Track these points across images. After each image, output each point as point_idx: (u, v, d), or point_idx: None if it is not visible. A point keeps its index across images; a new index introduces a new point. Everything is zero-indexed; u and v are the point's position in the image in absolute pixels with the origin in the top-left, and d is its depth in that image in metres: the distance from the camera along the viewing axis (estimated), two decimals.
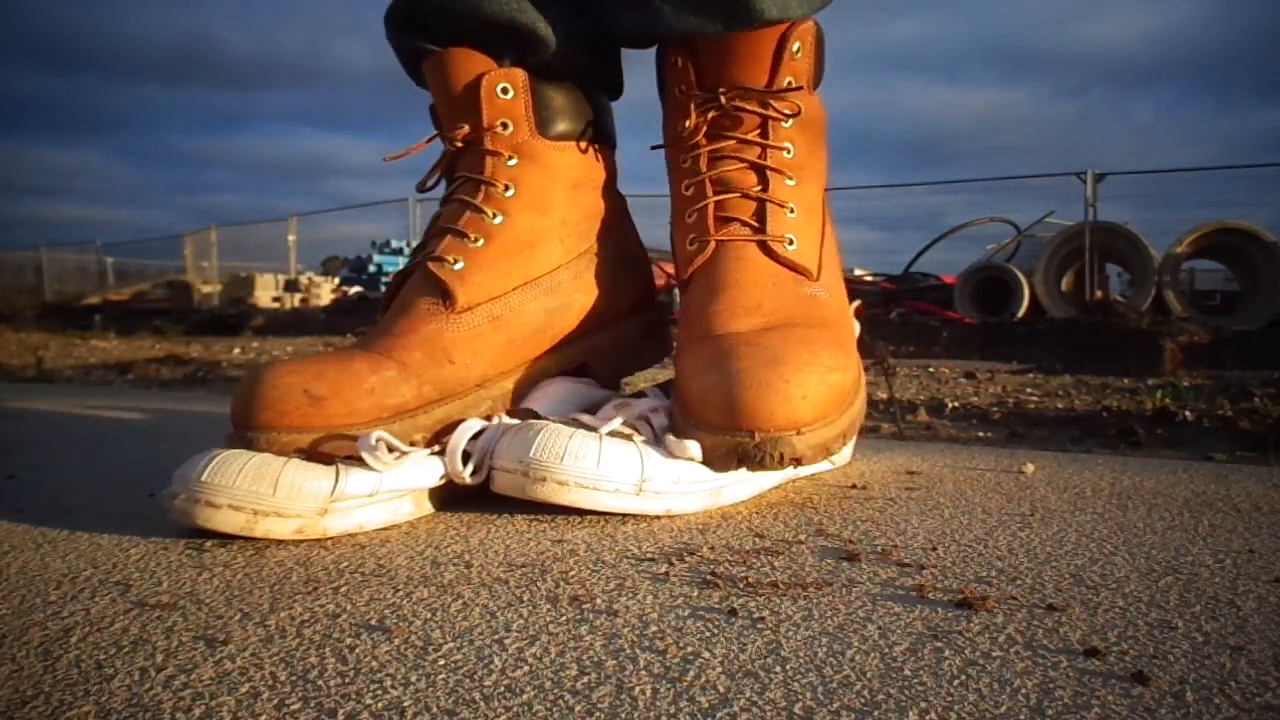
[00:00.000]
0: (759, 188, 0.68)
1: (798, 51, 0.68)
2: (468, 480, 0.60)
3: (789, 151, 0.69)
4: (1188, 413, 1.15)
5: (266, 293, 9.44)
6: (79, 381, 1.85)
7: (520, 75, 0.70)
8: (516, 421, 0.63)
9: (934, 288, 5.99)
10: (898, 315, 4.63)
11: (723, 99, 0.68)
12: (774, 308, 0.66)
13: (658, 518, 0.59)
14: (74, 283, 12.39)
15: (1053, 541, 0.54)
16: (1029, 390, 1.64)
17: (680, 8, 0.66)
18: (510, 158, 0.70)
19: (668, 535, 0.55)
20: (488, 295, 0.68)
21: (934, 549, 0.52)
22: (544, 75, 0.71)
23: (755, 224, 0.68)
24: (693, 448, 0.59)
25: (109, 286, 11.82)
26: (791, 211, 0.68)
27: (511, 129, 0.70)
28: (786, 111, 0.69)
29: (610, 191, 0.77)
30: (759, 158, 0.69)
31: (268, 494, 0.53)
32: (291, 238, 9.80)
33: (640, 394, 0.69)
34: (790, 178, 0.69)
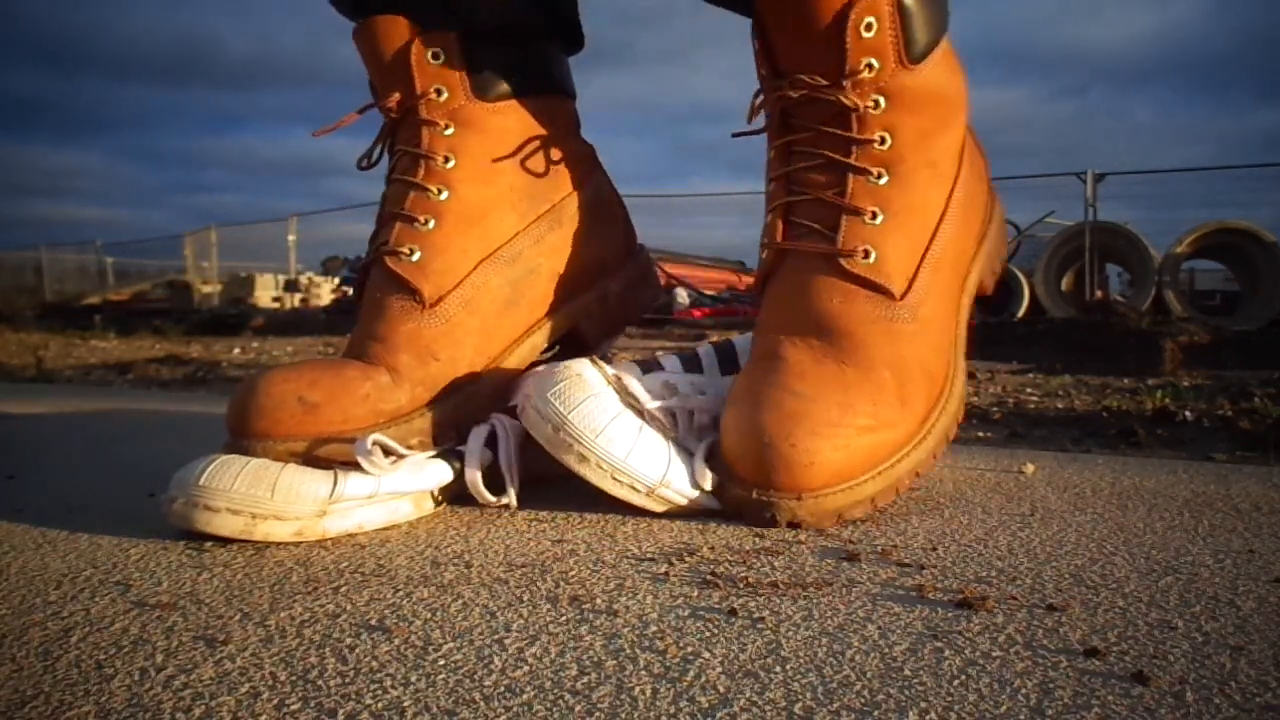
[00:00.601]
0: (835, 190, 0.61)
1: (869, 28, 0.58)
2: (490, 499, 0.60)
3: (883, 141, 0.61)
4: (1188, 413, 1.15)
5: (266, 293, 9.45)
6: (79, 381, 1.85)
7: (452, 39, 0.66)
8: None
9: None
10: None
11: (788, 88, 0.60)
12: (834, 334, 0.59)
13: (658, 517, 0.59)
14: (74, 283, 12.39)
15: (1053, 541, 0.54)
16: (1029, 390, 1.64)
17: None
18: (446, 126, 0.67)
19: (668, 535, 0.55)
20: (453, 281, 0.66)
21: (934, 549, 0.52)
22: (480, 37, 0.68)
23: (827, 233, 0.61)
24: (708, 481, 0.58)
25: (109, 286, 11.82)
26: (873, 217, 0.60)
27: (446, 95, 0.67)
28: (873, 99, 0.60)
29: (570, 144, 0.73)
30: (839, 152, 0.61)
31: (266, 497, 0.53)
32: (291, 238, 9.81)
33: (695, 364, 0.65)
34: (880, 175, 0.61)
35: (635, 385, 0.61)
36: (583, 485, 0.58)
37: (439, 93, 0.67)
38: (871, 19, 0.59)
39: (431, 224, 0.66)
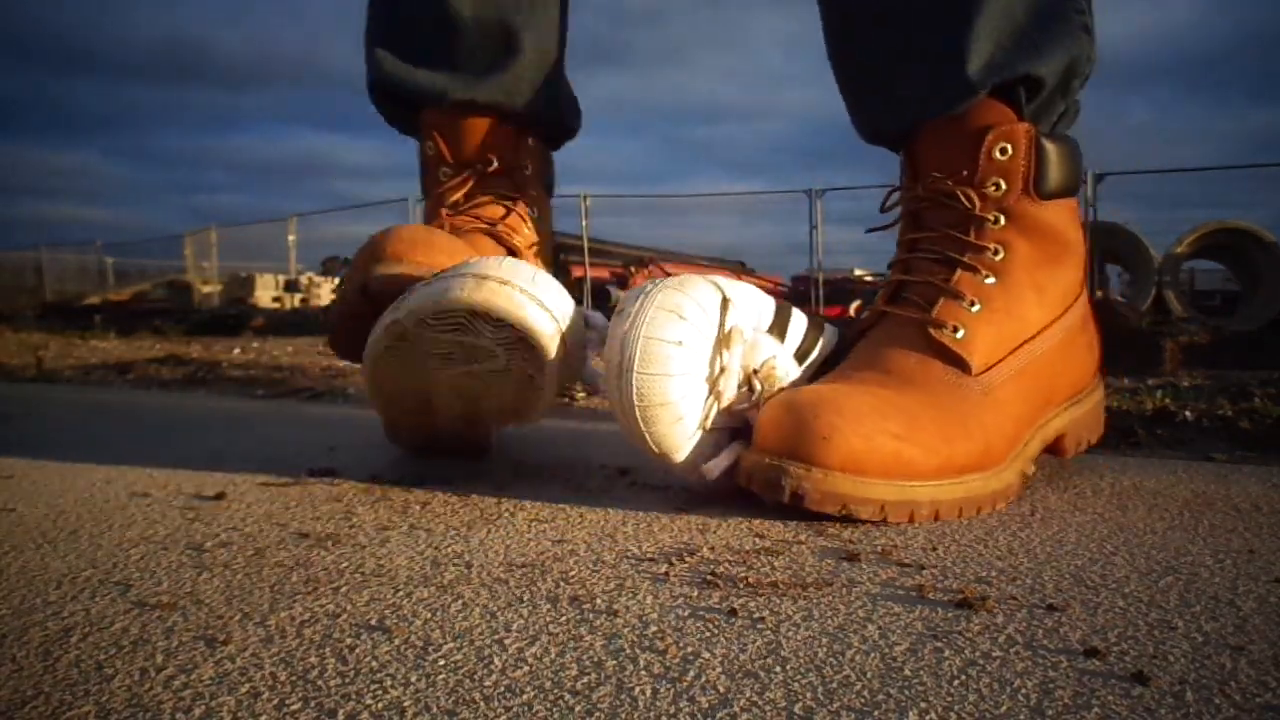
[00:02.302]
0: (943, 276, 0.67)
1: (1004, 152, 0.67)
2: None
3: (996, 253, 0.68)
4: (1188, 413, 1.15)
5: (267, 293, 9.44)
6: (79, 381, 1.85)
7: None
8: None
9: None
10: None
11: (920, 187, 0.69)
12: (903, 377, 0.64)
13: (658, 518, 0.59)
14: (74, 283, 12.38)
15: (1053, 541, 0.54)
16: None
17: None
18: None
19: (668, 535, 0.55)
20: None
21: (934, 549, 0.52)
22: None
23: (924, 305, 0.67)
24: (716, 466, 0.61)
25: (109, 286, 11.82)
26: (972, 305, 0.66)
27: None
28: (994, 214, 0.68)
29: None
30: (955, 251, 0.68)
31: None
32: (291, 238, 9.81)
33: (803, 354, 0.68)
34: (988, 276, 0.67)
35: (737, 352, 0.62)
36: (584, 484, 0.58)
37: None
38: (1007, 145, 0.67)
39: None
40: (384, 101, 0.89)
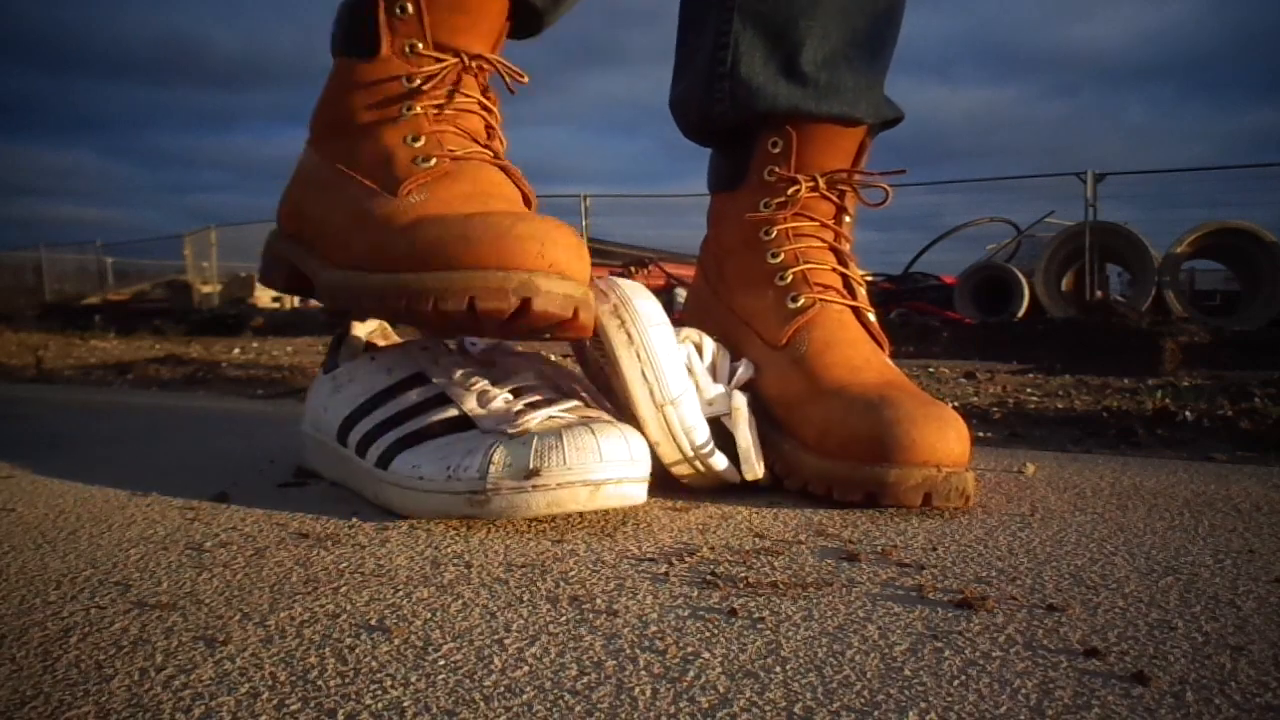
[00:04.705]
0: (838, 265, 0.74)
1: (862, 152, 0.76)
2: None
3: (849, 243, 0.75)
4: (1188, 413, 1.15)
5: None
6: (79, 382, 1.85)
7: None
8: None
9: (934, 288, 5.99)
10: (898, 315, 4.63)
11: (819, 181, 0.74)
12: (879, 369, 0.69)
13: (658, 518, 0.59)
14: (74, 283, 12.38)
15: (1053, 541, 0.54)
16: (1029, 390, 1.64)
17: (830, 95, 0.73)
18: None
19: (668, 535, 0.55)
20: None
21: (934, 549, 0.52)
22: None
23: (846, 293, 0.73)
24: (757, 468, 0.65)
25: (109, 286, 11.81)
26: (863, 289, 0.74)
27: None
28: (851, 208, 0.75)
29: None
30: (834, 241, 0.74)
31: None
32: None
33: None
34: (854, 263, 0.75)
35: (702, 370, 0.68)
36: None
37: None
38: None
39: None
40: None
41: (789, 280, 0.73)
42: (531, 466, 0.54)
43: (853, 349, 0.70)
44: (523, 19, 0.71)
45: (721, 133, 0.78)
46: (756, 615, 0.41)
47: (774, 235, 0.74)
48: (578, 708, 0.32)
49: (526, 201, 0.67)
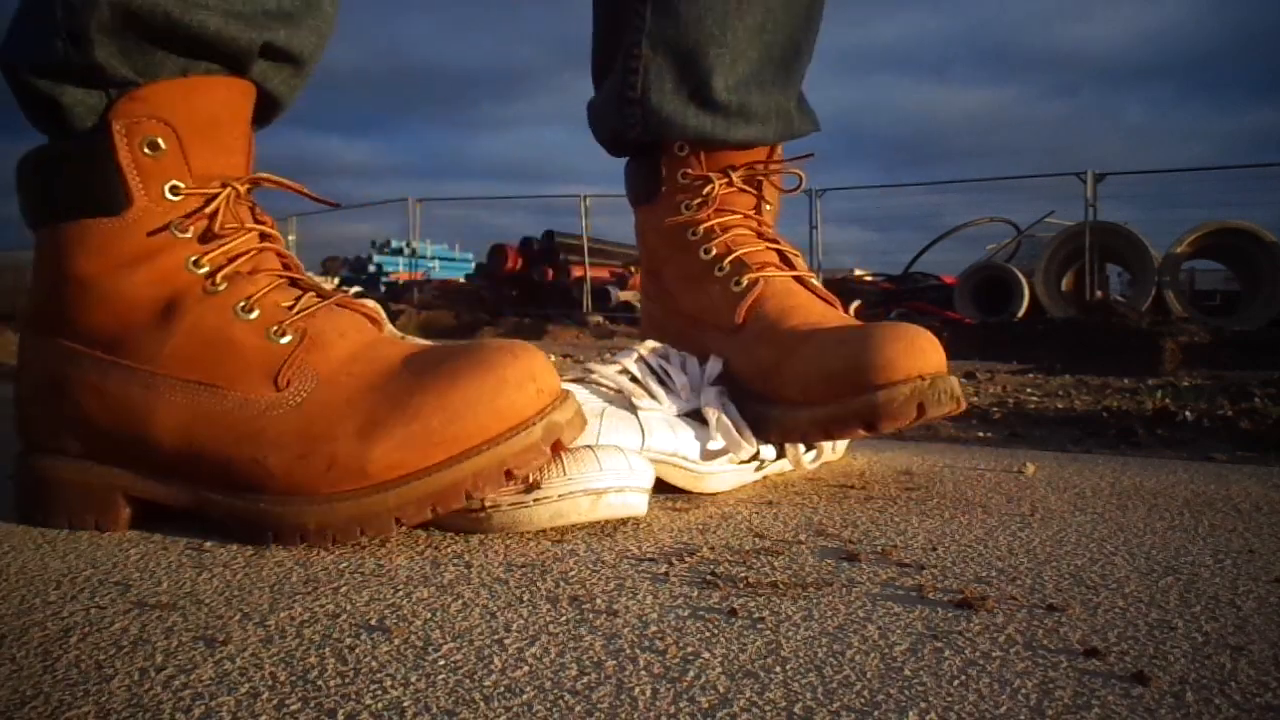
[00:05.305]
0: (769, 245, 0.76)
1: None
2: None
3: (772, 230, 0.78)
4: (1188, 413, 1.15)
5: None
6: None
7: None
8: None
9: (934, 288, 5.99)
10: (898, 315, 4.63)
11: (732, 177, 0.77)
12: (838, 318, 0.72)
13: (658, 518, 0.59)
14: None
15: (1053, 541, 0.54)
16: (1029, 390, 1.64)
17: (741, 121, 0.76)
18: None
19: (668, 535, 0.55)
20: None
21: (934, 549, 0.52)
22: None
23: (785, 265, 0.76)
24: (743, 448, 0.66)
25: None
26: (800, 259, 0.77)
27: None
28: (770, 197, 0.79)
29: None
30: (759, 229, 0.77)
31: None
32: (291, 237, 9.80)
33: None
34: (785, 241, 0.78)
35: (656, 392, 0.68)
36: None
37: None
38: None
39: None
40: None
41: (728, 269, 0.75)
42: (532, 480, 0.54)
43: (808, 310, 0.72)
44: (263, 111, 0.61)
45: (634, 146, 0.80)
46: (756, 615, 0.41)
47: (700, 234, 0.77)
48: (578, 708, 0.32)
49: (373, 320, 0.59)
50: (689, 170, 0.77)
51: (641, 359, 0.69)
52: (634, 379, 0.68)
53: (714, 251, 0.75)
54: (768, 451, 0.69)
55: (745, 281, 0.74)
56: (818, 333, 0.69)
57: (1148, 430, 1.06)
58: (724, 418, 0.66)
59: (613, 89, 0.78)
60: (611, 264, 7.14)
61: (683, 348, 0.73)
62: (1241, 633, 0.39)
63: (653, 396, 0.67)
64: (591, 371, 0.68)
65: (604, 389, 0.67)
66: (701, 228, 0.76)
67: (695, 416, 0.68)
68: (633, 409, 0.65)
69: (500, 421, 0.51)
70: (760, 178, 0.77)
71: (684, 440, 0.65)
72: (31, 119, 0.57)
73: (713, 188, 0.76)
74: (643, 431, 0.64)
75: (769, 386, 0.69)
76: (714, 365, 0.72)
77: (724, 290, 0.74)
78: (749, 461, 0.68)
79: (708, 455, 0.66)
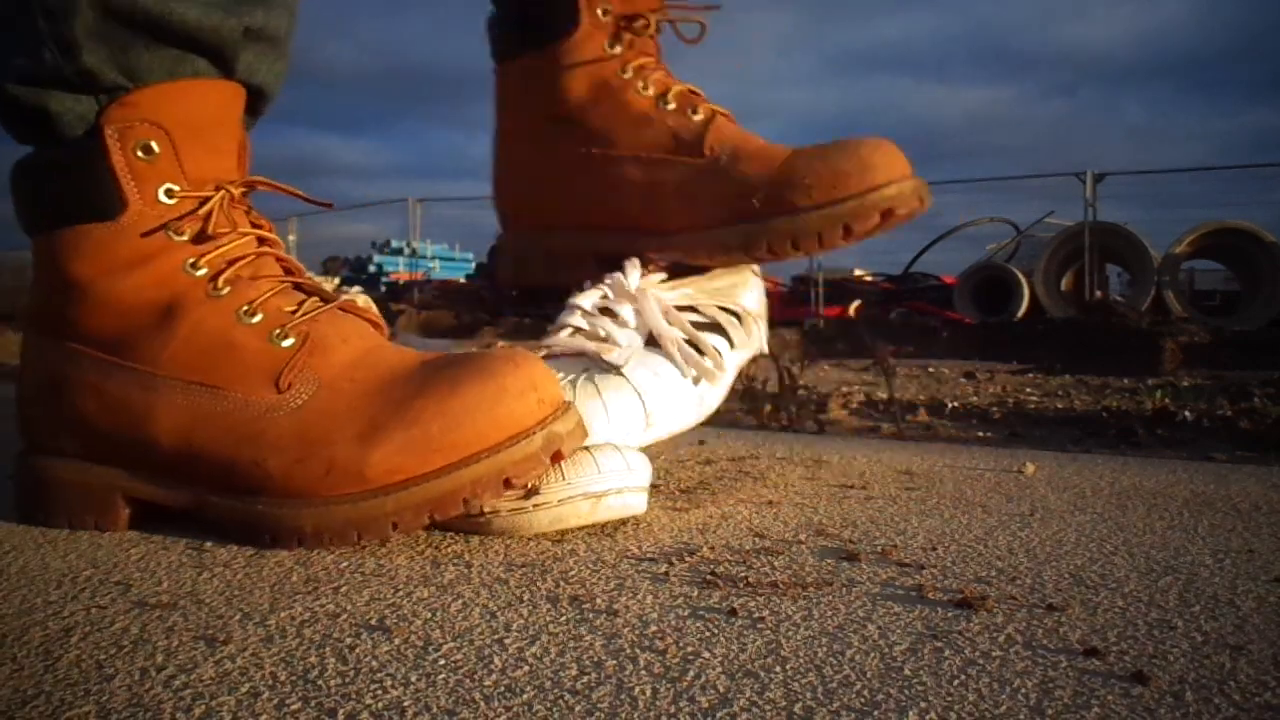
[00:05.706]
0: (692, 90, 0.76)
1: None
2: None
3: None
4: (1188, 413, 1.15)
5: None
6: None
7: None
8: None
9: (934, 288, 5.99)
10: (898, 315, 4.63)
11: (650, 20, 0.76)
12: (791, 146, 0.74)
13: (658, 518, 0.59)
14: None
15: (1053, 541, 0.54)
16: (1029, 390, 1.64)
17: None
18: None
19: (668, 535, 0.55)
20: None
21: (934, 549, 0.52)
22: None
23: (718, 107, 0.76)
24: (723, 357, 0.69)
25: None
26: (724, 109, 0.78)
27: None
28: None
29: None
30: (671, 73, 0.77)
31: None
32: (291, 238, 9.80)
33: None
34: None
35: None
36: None
37: None
38: None
39: None
40: None
41: (674, 103, 0.75)
42: (530, 486, 0.54)
43: (757, 137, 0.74)
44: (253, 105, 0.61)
45: None
46: (756, 615, 0.42)
47: (631, 72, 0.76)
48: (578, 708, 0.32)
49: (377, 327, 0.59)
50: (609, 7, 0.75)
51: (581, 311, 0.70)
52: (589, 335, 0.68)
53: (652, 90, 0.75)
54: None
55: (702, 113, 0.74)
56: (804, 146, 0.72)
57: (1147, 430, 1.06)
58: (685, 345, 0.68)
59: None
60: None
61: (603, 190, 0.75)
62: (1241, 632, 0.39)
63: (614, 342, 0.67)
64: (550, 347, 0.68)
65: (572, 358, 0.67)
66: (630, 66, 0.76)
67: (653, 343, 0.69)
68: (613, 369, 0.65)
69: (500, 430, 0.51)
70: (666, 21, 0.78)
71: (668, 377, 0.66)
72: (15, 132, 0.57)
73: (645, 23, 0.76)
74: (640, 397, 0.65)
75: (768, 200, 0.71)
76: (631, 269, 0.72)
77: (681, 122, 0.75)
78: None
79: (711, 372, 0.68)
